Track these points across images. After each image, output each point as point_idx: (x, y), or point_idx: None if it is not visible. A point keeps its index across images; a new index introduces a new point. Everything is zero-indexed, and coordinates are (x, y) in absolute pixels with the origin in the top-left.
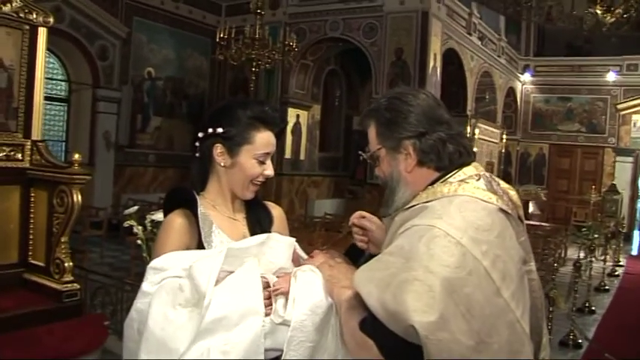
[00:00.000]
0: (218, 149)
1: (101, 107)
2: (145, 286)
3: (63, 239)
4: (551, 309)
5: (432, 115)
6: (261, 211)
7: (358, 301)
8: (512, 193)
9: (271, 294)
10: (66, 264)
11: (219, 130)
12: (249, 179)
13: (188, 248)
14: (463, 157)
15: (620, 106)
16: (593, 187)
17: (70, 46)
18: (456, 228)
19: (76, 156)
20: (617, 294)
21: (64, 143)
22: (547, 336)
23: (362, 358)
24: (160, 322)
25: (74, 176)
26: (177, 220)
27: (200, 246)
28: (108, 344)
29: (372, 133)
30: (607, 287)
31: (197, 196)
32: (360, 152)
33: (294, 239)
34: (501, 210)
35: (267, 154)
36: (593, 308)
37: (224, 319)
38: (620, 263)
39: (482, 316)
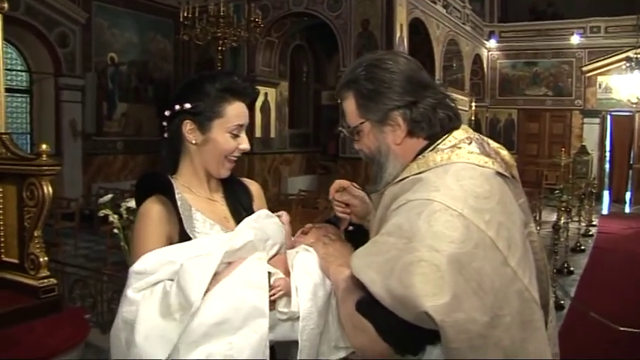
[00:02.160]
0: (187, 126)
1: (65, 96)
2: (130, 293)
3: (36, 233)
4: None
5: (416, 79)
6: (239, 188)
7: (355, 281)
8: (504, 152)
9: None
10: (41, 259)
11: (187, 105)
12: (223, 155)
13: (170, 238)
14: (453, 121)
15: (585, 69)
16: (563, 149)
17: (28, 34)
18: (455, 199)
19: (44, 146)
20: (593, 253)
21: (28, 135)
22: (552, 298)
23: (358, 340)
24: (144, 332)
25: (43, 167)
26: (154, 208)
27: (182, 233)
28: (90, 338)
29: (350, 106)
30: (583, 247)
31: (172, 179)
32: (340, 129)
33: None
34: (498, 174)
35: (241, 126)
36: (571, 269)
37: (225, 323)
38: (594, 223)
39: (493, 289)
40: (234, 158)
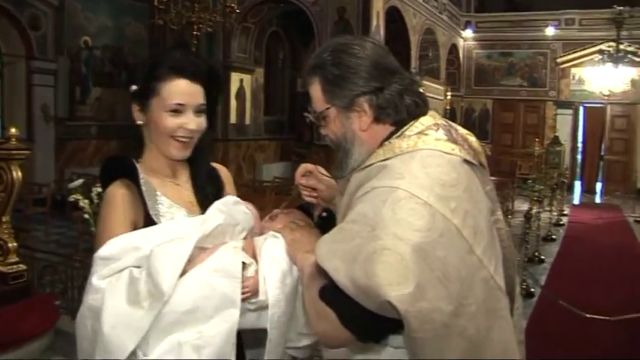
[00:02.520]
0: (135, 108)
1: (37, 80)
2: (95, 280)
3: (4, 219)
4: None
5: (383, 65)
6: (206, 172)
7: (320, 268)
8: (472, 139)
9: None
10: (9, 244)
11: (133, 87)
12: (165, 135)
13: (135, 222)
14: (420, 107)
15: (559, 60)
16: (537, 139)
17: None
18: (421, 187)
19: (12, 130)
20: (564, 243)
21: None
22: (519, 286)
23: (321, 327)
24: (111, 320)
25: (12, 152)
26: (118, 193)
27: (147, 218)
28: (60, 324)
29: (316, 91)
30: (554, 237)
31: (136, 164)
32: (304, 114)
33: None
34: (465, 161)
35: (181, 104)
36: (542, 257)
37: (196, 311)
38: (565, 213)
39: (459, 278)
40: (185, 139)
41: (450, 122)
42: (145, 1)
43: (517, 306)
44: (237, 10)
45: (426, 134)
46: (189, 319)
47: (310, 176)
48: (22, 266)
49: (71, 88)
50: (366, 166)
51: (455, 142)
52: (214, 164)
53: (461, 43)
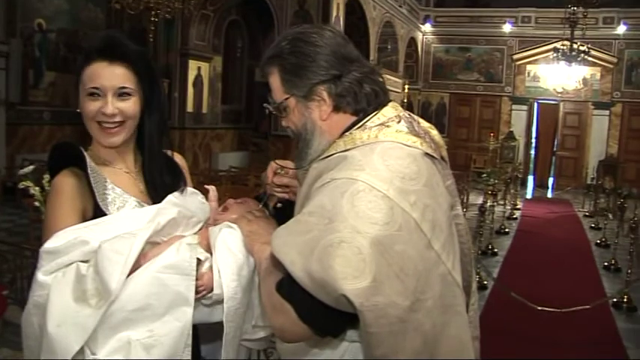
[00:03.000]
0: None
1: None
2: (40, 276)
3: None
4: None
5: (342, 53)
6: (158, 160)
7: (276, 261)
8: (434, 132)
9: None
10: None
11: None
12: (89, 120)
13: (84, 212)
14: (380, 96)
15: (515, 57)
16: (492, 134)
17: None
18: (380, 180)
19: None
20: (516, 236)
21: None
22: (475, 282)
23: (278, 321)
24: (57, 318)
25: None
26: (66, 182)
27: (96, 207)
28: (8, 315)
29: (275, 81)
30: (507, 230)
31: (85, 152)
32: (264, 105)
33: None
34: (427, 154)
35: (96, 88)
36: (495, 250)
37: (147, 309)
38: (518, 207)
39: (416, 272)
40: (108, 125)
41: (413, 115)
42: None
43: (473, 301)
44: None
45: (387, 126)
46: (140, 317)
47: (282, 175)
48: None
49: (24, 72)
50: (326, 157)
51: (416, 134)
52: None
53: (420, 36)
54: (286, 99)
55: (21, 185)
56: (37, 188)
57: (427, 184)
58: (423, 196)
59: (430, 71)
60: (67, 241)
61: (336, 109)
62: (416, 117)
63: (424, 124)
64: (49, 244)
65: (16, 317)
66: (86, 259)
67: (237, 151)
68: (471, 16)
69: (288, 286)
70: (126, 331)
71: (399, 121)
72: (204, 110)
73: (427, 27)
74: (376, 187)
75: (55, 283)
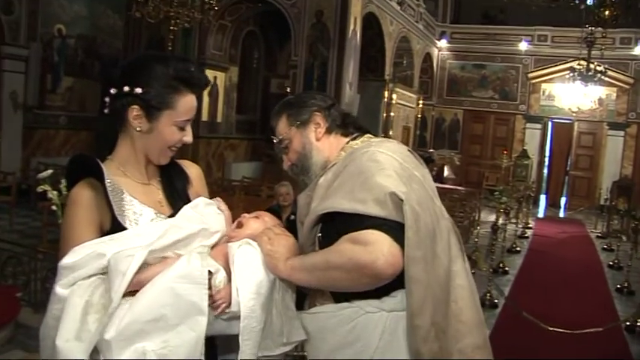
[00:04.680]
0: (134, 112)
1: (7, 65)
2: (58, 289)
3: None
4: (473, 271)
5: (328, 101)
6: (176, 171)
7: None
8: None
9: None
10: None
11: (138, 90)
12: (166, 146)
13: (101, 224)
14: (360, 126)
15: (530, 75)
16: (505, 152)
17: None
18: (386, 149)
19: None
20: (528, 255)
21: None
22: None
23: (370, 254)
24: (65, 334)
25: None
26: (83, 194)
27: (114, 219)
28: (21, 317)
29: (282, 123)
30: (518, 249)
31: (102, 164)
32: (271, 137)
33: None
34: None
35: (188, 120)
36: (506, 269)
37: (161, 320)
38: (530, 225)
39: (430, 212)
40: (176, 148)
41: None
42: None
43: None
44: (216, 7)
45: (374, 138)
46: (154, 328)
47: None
48: None
49: (42, 76)
50: (332, 166)
51: None
52: (185, 162)
53: (435, 52)
54: (289, 131)
55: (39, 189)
56: (54, 192)
57: (416, 167)
58: (416, 169)
59: (445, 87)
60: (85, 255)
61: (329, 131)
62: None
63: None
64: (66, 260)
65: (29, 319)
66: (102, 272)
67: (251, 162)
68: (487, 33)
69: (359, 223)
70: (141, 342)
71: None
72: (219, 120)
73: (443, 43)
74: (386, 152)
75: (70, 296)
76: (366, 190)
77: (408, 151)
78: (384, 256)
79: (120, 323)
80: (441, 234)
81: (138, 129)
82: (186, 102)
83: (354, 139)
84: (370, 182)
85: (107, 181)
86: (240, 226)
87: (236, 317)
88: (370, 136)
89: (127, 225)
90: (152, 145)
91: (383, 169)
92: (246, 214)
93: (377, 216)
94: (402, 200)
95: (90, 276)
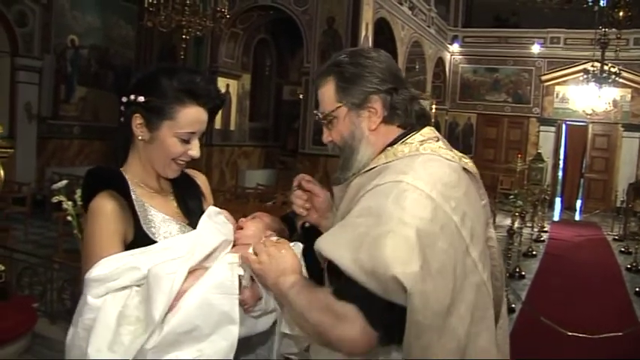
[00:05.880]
0: (137, 120)
1: (21, 77)
2: (90, 299)
3: None
4: None
5: (396, 72)
6: (187, 182)
7: (305, 281)
8: (467, 160)
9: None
10: None
11: (140, 98)
12: (169, 158)
13: (125, 235)
14: (423, 118)
15: (543, 78)
16: (519, 155)
17: None
18: (423, 182)
19: None
20: (544, 259)
21: None
22: (505, 305)
23: (342, 332)
24: (98, 343)
25: None
26: (107, 206)
27: (137, 230)
28: (38, 328)
29: (329, 90)
30: (534, 253)
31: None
32: (315, 112)
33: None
34: (464, 169)
35: (193, 133)
36: (523, 273)
37: (195, 330)
38: (545, 229)
39: (455, 275)
40: (183, 162)
41: (447, 142)
42: (133, 2)
43: (501, 323)
44: (227, 16)
45: (427, 142)
46: (188, 339)
47: (309, 183)
48: (1, 267)
49: (56, 87)
50: (368, 170)
51: (453, 151)
52: (190, 171)
53: (447, 56)
54: (338, 107)
55: (54, 199)
56: (69, 203)
57: (466, 194)
58: (462, 203)
59: (457, 91)
60: (115, 268)
61: (385, 120)
62: (449, 145)
63: (457, 153)
64: (95, 272)
65: (46, 330)
66: (138, 284)
67: (264, 169)
68: (499, 37)
69: (349, 289)
70: (175, 352)
71: (437, 140)
72: (232, 127)
73: (455, 47)
74: (420, 188)
75: (104, 306)
76: (370, 255)
77: (464, 169)
78: (352, 340)
79: (144, 341)
80: (463, 298)
81: (140, 137)
82: (189, 114)
83: (406, 134)
84: (380, 246)
85: (132, 192)
86: (240, 228)
87: (266, 313)
88: (426, 134)
89: (153, 236)
90: (155, 156)
91: (404, 224)
92: (243, 218)
93: (369, 291)
94: (403, 287)
95: (123, 287)
